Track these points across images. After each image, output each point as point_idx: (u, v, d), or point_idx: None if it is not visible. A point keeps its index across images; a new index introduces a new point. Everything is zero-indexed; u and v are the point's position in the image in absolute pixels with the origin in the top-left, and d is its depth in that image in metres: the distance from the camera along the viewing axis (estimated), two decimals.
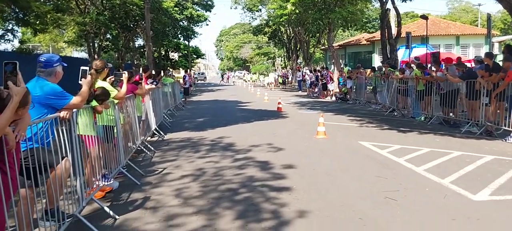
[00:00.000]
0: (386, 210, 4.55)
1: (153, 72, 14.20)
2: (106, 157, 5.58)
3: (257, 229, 4.16)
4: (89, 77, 4.50)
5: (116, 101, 6.10)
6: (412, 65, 14.23)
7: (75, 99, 4.15)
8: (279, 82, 40.92)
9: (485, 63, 9.91)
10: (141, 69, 12.75)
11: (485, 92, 9.56)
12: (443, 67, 12.33)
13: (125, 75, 6.24)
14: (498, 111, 9.30)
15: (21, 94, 2.70)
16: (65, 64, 4.27)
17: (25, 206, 3.47)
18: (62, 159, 3.88)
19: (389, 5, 20.20)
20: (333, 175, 6.17)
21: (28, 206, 3.52)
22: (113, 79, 6.06)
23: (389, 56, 19.78)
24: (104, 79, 5.87)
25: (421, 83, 12.41)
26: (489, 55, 10.23)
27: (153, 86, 10.16)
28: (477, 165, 6.58)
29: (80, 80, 4.40)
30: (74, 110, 4.27)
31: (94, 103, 5.20)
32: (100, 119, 5.45)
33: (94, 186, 5.04)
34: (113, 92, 5.81)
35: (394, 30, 21.58)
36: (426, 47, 23.93)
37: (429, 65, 14.25)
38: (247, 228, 4.18)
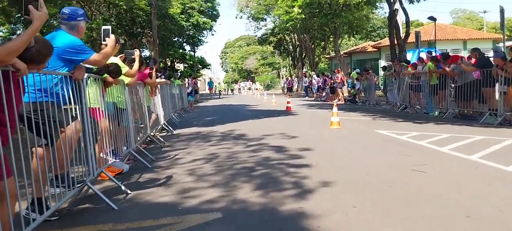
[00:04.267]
0: (416, 180, 4.26)
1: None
2: (117, 136, 5.35)
3: (279, 197, 3.87)
4: (112, 36, 4.23)
5: (126, 81, 5.88)
6: (424, 60, 13.90)
7: (96, 55, 3.84)
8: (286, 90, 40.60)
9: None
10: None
11: (502, 80, 9.26)
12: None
13: (136, 53, 5.98)
14: None
15: (43, 20, 2.48)
16: (89, 21, 4.05)
17: (42, 166, 3.25)
18: (72, 120, 3.64)
19: (397, 6, 20.02)
20: (353, 153, 5.88)
21: (44, 165, 3.31)
22: (123, 57, 5.83)
23: (398, 56, 19.53)
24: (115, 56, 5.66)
25: (434, 77, 12.11)
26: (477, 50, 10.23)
27: (163, 80, 9.95)
28: (504, 144, 6.27)
29: (104, 40, 4.17)
30: (85, 78, 4.04)
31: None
32: (109, 94, 5.22)
33: (105, 161, 4.79)
34: (125, 68, 5.56)
35: (401, 31, 21.35)
36: (435, 51, 23.74)
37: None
38: (269, 197, 3.90)
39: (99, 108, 4.81)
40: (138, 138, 6.90)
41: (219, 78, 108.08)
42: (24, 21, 17.55)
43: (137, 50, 6.14)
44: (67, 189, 3.57)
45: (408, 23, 20.48)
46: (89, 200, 4.08)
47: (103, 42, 4.16)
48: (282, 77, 67.41)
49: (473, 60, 10.89)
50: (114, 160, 5.06)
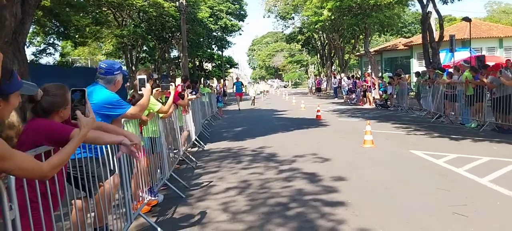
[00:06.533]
0: (458, 228, 4.10)
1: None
2: (151, 169, 5.42)
3: None
4: (148, 86, 4.28)
5: (161, 114, 5.93)
6: (460, 69, 13.43)
7: (133, 109, 3.90)
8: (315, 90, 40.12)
9: None
10: (180, 79, 12.70)
11: None
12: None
13: (172, 87, 6.00)
14: None
15: (90, 127, 2.42)
16: (126, 73, 4.09)
17: (81, 217, 3.33)
18: (111, 174, 3.70)
19: (430, 8, 19.43)
20: (388, 187, 5.74)
21: (84, 217, 3.39)
22: (159, 90, 5.87)
23: (431, 60, 18.98)
24: None
25: (470, 88, 11.70)
26: None
27: (194, 96, 10.02)
28: None
29: (140, 90, 4.21)
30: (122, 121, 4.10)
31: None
32: (145, 130, 5.28)
33: (140, 200, 4.86)
34: (157, 105, 5.60)
35: (435, 34, 20.72)
36: (469, 51, 22.94)
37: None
38: None
39: None
40: (172, 160, 6.97)
41: (247, 75, 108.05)
42: (58, 32, 18.07)
43: (172, 84, 6.18)
44: None
45: (441, 25, 19.86)
46: None
47: (138, 92, 4.20)
48: (310, 75, 66.89)
49: None
50: (150, 198, 5.12)
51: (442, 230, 4.08)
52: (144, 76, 4.35)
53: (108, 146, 3.63)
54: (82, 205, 3.51)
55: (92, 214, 3.75)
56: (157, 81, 6.25)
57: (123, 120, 4.17)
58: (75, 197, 3.35)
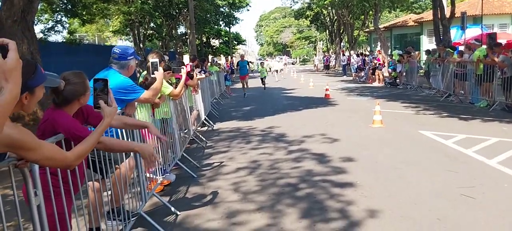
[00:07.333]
0: (465, 210, 4.18)
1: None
2: (163, 150, 5.52)
3: (326, 229, 3.92)
4: (161, 70, 4.35)
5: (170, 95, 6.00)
6: (472, 47, 13.27)
7: (146, 94, 3.99)
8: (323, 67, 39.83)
9: None
10: (188, 57, 12.71)
11: None
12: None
13: (183, 70, 6.04)
14: None
15: (113, 116, 2.51)
16: (139, 58, 4.15)
17: (96, 199, 3.45)
18: (126, 157, 3.80)
19: None
20: (398, 168, 5.80)
21: (96, 198, 3.51)
22: (170, 73, 5.91)
23: (441, 37, 18.76)
24: None
25: (481, 67, 11.60)
26: None
27: (203, 76, 10.07)
28: None
29: (152, 73, 4.28)
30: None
31: None
32: (157, 112, 5.37)
33: (154, 180, 4.98)
34: (168, 88, 5.66)
35: (446, 10, 20.42)
36: (481, 27, 22.61)
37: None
38: (316, 229, 3.95)
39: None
40: (183, 139, 7.08)
41: (254, 52, 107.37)
42: (66, 9, 18.06)
43: (184, 67, 6.22)
44: (123, 221, 3.76)
45: (453, 2, 19.54)
46: (141, 224, 4.25)
47: (151, 75, 4.26)
48: (319, 51, 66.34)
49: None
50: (163, 178, 5.24)
51: (450, 211, 4.16)
52: (157, 60, 4.40)
53: (123, 130, 3.73)
54: (100, 186, 3.63)
55: (109, 192, 3.88)
56: (167, 63, 6.30)
57: (136, 103, 4.25)
58: (93, 179, 3.47)
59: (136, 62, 4.09)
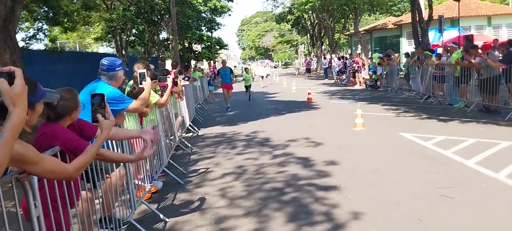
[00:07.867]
0: (445, 210, 4.36)
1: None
2: (151, 158, 5.58)
3: None
4: (148, 80, 4.43)
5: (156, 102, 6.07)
6: (450, 50, 13.66)
7: (135, 104, 4.09)
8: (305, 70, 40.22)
9: None
10: (170, 64, 12.76)
11: None
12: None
13: (169, 79, 6.13)
14: None
15: (110, 129, 2.61)
16: (127, 69, 4.23)
17: (87, 208, 3.51)
18: (116, 166, 3.87)
19: None
20: (379, 170, 5.99)
21: (89, 208, 3.57)
22: (156, 81, 5.98)
23: (420, 40, 19.22)
24: None
25: (458, 69, 11.96)
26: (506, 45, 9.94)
27: (187, 82, 10.14)
28: None
29: (140, 84, 4.35)
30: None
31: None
32: (145, 121, 5.44)
33: (142, 188, 5.04)
34: (155, 97, 5.73)
35: (424, 13, 20.93)
36: (458, 30, 23.18)
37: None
38: None
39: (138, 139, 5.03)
40: (169, 146, 7.14)
41: (236, 56, 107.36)
42: (47, 17, 17.88)
43: (170, 76, 6.30)
44: (114, 230, 3.83)
45: (431, 5, 20.03)
46: None
47: (139, 85, 4.34)
48: (300, 55, 66.88)
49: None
50: (151, 185, 5.30)
51: (430, 212, 4.34)
52: (144, 70, 4.49)
53: (113, 142, 3.80)
54: (92, 194, 3.69)
55: (100, 200, 3.93)
56: (153, 71, 6.36)
57: (125, 113, 4.32)
58: (86, 189, 3.53)
59: (124, 72, 4.16)
